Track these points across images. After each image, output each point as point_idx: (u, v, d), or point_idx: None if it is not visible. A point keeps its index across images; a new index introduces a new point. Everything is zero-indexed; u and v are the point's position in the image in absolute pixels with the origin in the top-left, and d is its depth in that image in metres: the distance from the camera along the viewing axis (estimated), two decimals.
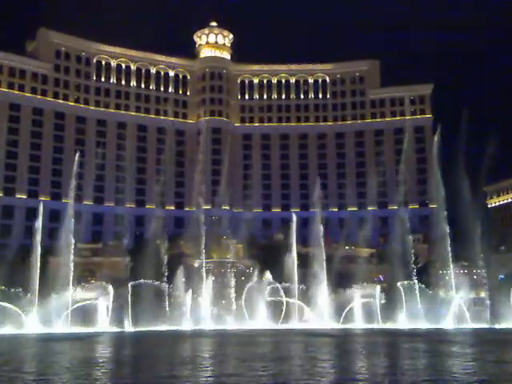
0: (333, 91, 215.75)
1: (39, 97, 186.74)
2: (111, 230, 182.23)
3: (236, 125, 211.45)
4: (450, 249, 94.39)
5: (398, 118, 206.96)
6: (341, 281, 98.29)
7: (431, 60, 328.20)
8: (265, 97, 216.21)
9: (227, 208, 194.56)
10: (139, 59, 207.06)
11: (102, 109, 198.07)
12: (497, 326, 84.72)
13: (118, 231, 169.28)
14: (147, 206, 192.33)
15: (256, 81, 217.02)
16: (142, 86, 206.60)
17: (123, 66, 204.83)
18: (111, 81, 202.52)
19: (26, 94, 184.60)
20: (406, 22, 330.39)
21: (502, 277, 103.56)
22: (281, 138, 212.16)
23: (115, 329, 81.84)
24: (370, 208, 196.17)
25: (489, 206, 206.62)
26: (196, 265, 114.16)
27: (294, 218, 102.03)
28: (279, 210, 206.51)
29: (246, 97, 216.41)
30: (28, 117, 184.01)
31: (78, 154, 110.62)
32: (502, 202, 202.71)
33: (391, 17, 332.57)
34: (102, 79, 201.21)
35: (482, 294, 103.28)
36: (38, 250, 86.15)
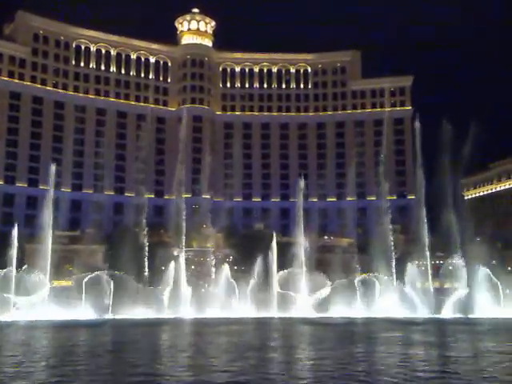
0: (314, 81, 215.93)
1: (16, 81, 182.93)
2: (89, 218, 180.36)
3: (217, 113, 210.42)
4: (427, 240, 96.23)
5: (378, 109, 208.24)
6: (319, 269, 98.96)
7: (412, 52, 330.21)
8: (246, 85, 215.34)
9: (207, 197, 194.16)
10: (119, 44, 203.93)
11: (81, 94, 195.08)
12: (472, 316, 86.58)
13: (97, 219, 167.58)
14: (126, 194, 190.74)
15: (238, 69, 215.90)
16: (122, 71, 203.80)
17: (103, 51, 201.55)
18: (91, 66, 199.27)
19: (3, 78, 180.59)
20: (388, 13, 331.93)
21: (478, 267, 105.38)
22: (262, 127, 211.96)
23: (96, 316, 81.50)
24: (349, 199, 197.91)
25: (466, 197, 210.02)
26: (176, 253, 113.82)
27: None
28: (259, 200, 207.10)
29: (228, 85, 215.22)
30: (5, 101, 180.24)
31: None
32: (478, 194, 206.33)
33: (374, 7, 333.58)
34: (81, 64, 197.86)
35: (457, 285, 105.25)
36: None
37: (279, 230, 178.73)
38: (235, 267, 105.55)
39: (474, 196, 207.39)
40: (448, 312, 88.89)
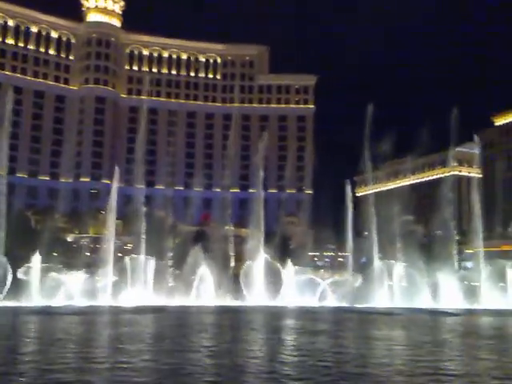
0: (223, 72, 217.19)
1: None
2: None
3: (122, 96, 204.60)
4: (311, 232, 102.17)
5: (283, 105, 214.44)
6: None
7: (318, 51, 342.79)
8: (154, 70, 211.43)
9: (108, 182, 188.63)
10: (18, 15, 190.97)
11: None
12: (357, 305, 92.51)
13: None
14: (18, 175, 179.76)
15: (146, 52, 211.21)
16: (20, 44, 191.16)
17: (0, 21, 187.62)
18: None
19: None
20: (301, 12, 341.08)
21: (364, 260, 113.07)
22: (169, 113, 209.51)
23: None
24: (251, 190, 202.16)
25: (357, 194, 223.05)
26: (70, 239, 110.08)
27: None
28: (163, 187, 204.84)
29: (135, 68, 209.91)
30: None
31: None
32: (368, 192, 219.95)
33: (289, 6, 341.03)
34: None
35: (346, 276, 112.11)
36: None
37: (182, 219, 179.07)
38: (133, 255, 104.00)
39: (365, 193, 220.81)
40: (331, 301, 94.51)
